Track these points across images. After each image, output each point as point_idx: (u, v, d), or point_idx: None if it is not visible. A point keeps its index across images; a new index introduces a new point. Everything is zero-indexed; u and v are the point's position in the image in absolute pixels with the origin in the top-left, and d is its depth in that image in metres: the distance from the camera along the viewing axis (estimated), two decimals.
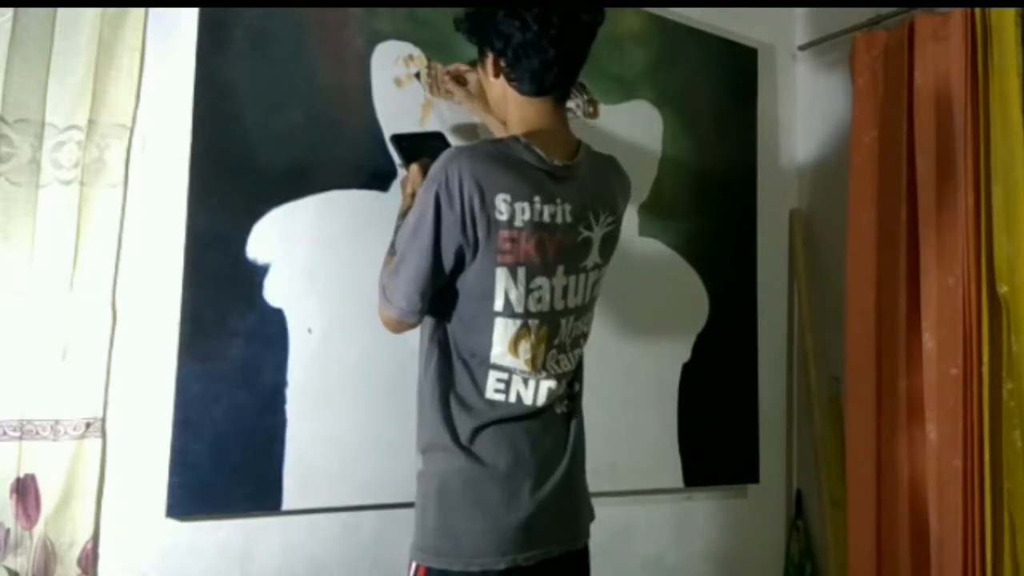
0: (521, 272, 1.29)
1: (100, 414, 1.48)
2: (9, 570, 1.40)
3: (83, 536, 1.46)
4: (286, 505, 1.60)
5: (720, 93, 2.26)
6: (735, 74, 2.31)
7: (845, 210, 2.15)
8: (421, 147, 1.56)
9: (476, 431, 1.31)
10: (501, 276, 1.28)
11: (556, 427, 1.39)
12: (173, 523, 1.52)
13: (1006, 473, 1.82)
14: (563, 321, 1.37)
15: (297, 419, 1.62)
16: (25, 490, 1.43)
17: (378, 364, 1.69)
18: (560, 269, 1.34)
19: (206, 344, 1.55)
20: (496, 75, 1.36)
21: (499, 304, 1.30)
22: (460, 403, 1.32)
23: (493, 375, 1.33)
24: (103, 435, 1.49)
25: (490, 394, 1.33)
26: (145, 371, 1.53)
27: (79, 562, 1.46)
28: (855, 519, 2.06)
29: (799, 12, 2.48)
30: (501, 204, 1.26)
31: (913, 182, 2.01)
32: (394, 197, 1.74)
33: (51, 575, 1.43)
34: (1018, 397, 1.81)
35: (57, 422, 1.44)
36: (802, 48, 2.43)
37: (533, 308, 1.32)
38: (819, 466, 2.25)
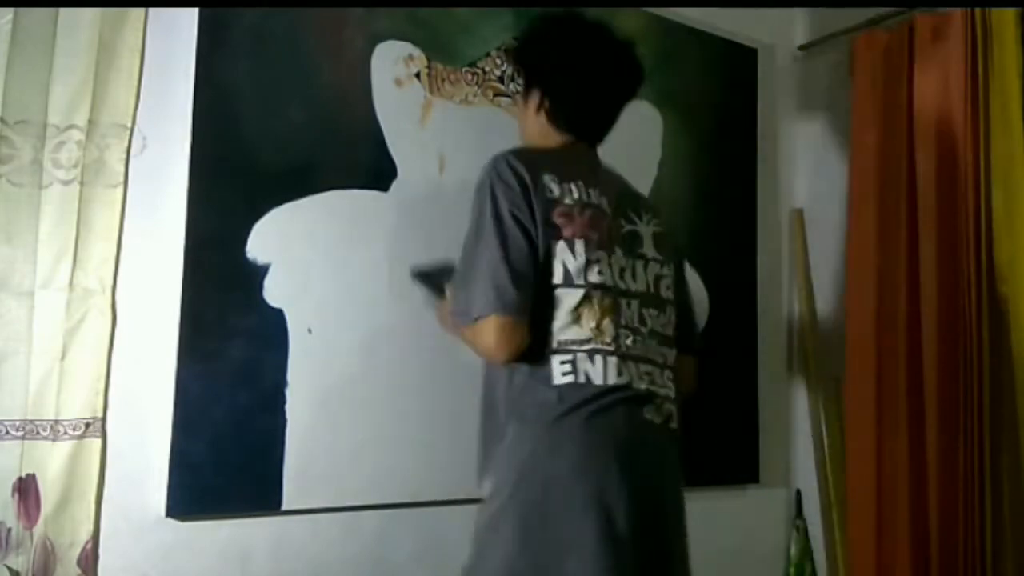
0: (579, 245, 1.28)
1: (100, 414, 1.48)
2: (10, 569, 1.40)
3: (83, 536, 1.46)
4: (286, 505, 1.60)
5: (720, 93, 2.27)
6: (735, 74, 2.31)
7: (845, 210, 2.15)
8: (443, 276, 1.49)
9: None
10: (559, 249, 1.27)
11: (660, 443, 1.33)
12: (173, 523, 1.52)
13: (1006, 473, 1.82)
14: (623, 301, 1.32)
15: (297, 419, 1.61)
16: (26, 490, 1.43)
17: (378, 364, 1.69)
18: (618, 250, 1.34)
19: (206, 344, 1.54)
20: (537, 111, 1.41)
21: (558, 276, 1.27)
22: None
23: (556, 359, 1.26)
24: (103, 435, 1.48)
25: (557, 379, 1.25)
26: (145, 371, 1.53)
27: (79, 562, 1.45)
28: (855, 519, 2.06)
29: (799, 12, 2.48)
30: (551, 183, 1.28)
31: (913, 182, 2.01)
32: (394, 197, 1.75)
33: (51, 575, 1.43)
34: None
35: (57, 422, 1.44)
36: (802, 48, 2.43)
37: (594, 279, 1.28)
38: (819, 466, 2.25)
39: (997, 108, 1.87)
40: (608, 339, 1.28)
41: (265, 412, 1.59)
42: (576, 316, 1.26)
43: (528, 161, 1.29)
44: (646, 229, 1.41)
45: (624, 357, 1.29)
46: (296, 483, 1.61)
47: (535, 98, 1.40)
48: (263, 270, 1.61)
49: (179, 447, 1.51)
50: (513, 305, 1.22)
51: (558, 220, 1.27)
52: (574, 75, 1.37)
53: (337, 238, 1.68)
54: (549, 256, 1.26)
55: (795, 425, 2.39)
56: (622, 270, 1.34)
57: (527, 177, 1.27)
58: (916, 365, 1.98)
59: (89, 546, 1.46)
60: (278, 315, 1.62)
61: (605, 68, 1.39)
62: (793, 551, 2.31)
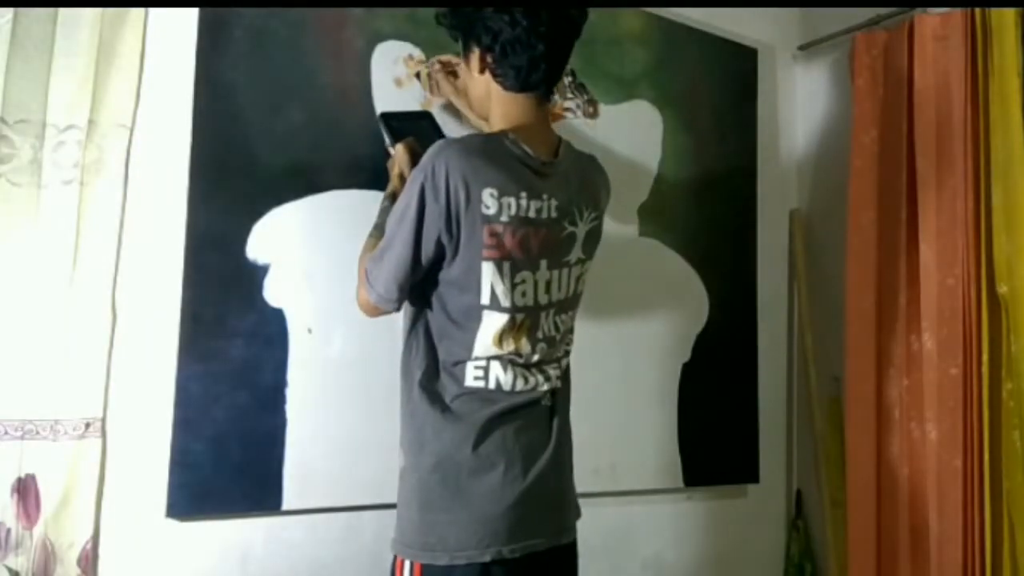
0: (506, 266, 1.31)
1: (100, 414, 1.48)
2: (10, 570, 1.41)
3: (83, 536, 1.46)
4: (286, 505, 1.60)
5: (720, 93, 2.26)
6: (735, 74, 2.31)
7: (845, 210, 2.15)
8: (409, 127, 1.59)
9: (457, 423, 1.32)
10: (487, 270, 1.30)
11: (540, 420, 1.39)
12: (173, 523, 1.52)
13: (1005, 473, 1.82)
14: (543, 314, 1.37)
15: (297, 419, 1.62)
16: (26, 490, 1.43)
17: (378, 364, 1.69)
18: (543, 264, 1.35)
19: (206, 344, 1.54)
20: (481, 71, 1.37)
21: (485, 298, 1.31)
22: (441, 395, 1.34)
23: (472, 364, 1.34)
24: (103, 435, 1.48)
25: (469, 382, 1.33)
26: (145, 371, 1.53)
27: (79, 562, 1.46)
28: (855, 519, 2.06)
29: (799, 12, 2.48)
30: (488, 198, 1.27)
31: (913, 182, 2.01)
32: None
33: (51, 575, 1.43)
34: (1017, 397, 1.81)
35: (57, 422, 1.44)
36: (802, 48, 2.43)
37: (519, 302, 1.33)
38: (819, 466, 2.25)
39: (997, 108, 1.87)
40: (523, 353, 1.35)
41: (265, 412, 1.59)
42: (498, 339, 1.32)
43: (472, 170, 1.27)
44: (583, 228, 1.41)
45: (530, 365, 1.37)
46: (296, 483, 1.61)
47: (476, 59, 1.37)
48: (263, 270, 1.61)
49: (179, 447, 1.51)
50: (393, 302, 1.35)
51: (488, 240, 1.28)
52: (510, 23, 1.29)
53: (337, 238, 1.68)
54: (476, 272, 1.29)
55: (795, 425, 2.39)
56: (548, 284, 1.36)
57: (462, 193, 1.26)
58: (916, 365, 1.98)
59: (89, 546, 1.46)
60: (278, 315, 1.62)
61: (542, 10, 1.30)
62: (793, 551, 2.31)
